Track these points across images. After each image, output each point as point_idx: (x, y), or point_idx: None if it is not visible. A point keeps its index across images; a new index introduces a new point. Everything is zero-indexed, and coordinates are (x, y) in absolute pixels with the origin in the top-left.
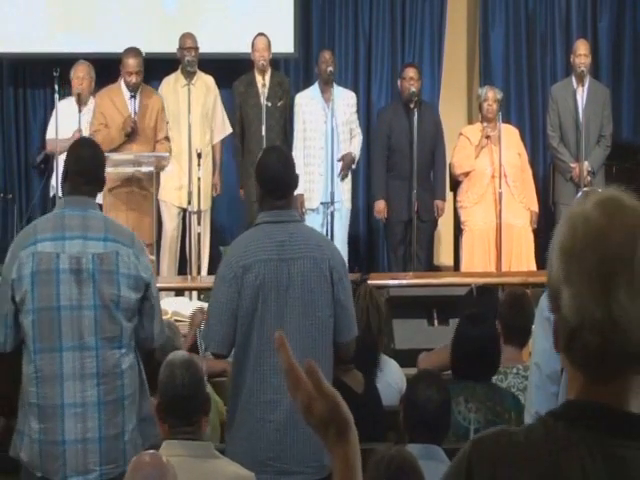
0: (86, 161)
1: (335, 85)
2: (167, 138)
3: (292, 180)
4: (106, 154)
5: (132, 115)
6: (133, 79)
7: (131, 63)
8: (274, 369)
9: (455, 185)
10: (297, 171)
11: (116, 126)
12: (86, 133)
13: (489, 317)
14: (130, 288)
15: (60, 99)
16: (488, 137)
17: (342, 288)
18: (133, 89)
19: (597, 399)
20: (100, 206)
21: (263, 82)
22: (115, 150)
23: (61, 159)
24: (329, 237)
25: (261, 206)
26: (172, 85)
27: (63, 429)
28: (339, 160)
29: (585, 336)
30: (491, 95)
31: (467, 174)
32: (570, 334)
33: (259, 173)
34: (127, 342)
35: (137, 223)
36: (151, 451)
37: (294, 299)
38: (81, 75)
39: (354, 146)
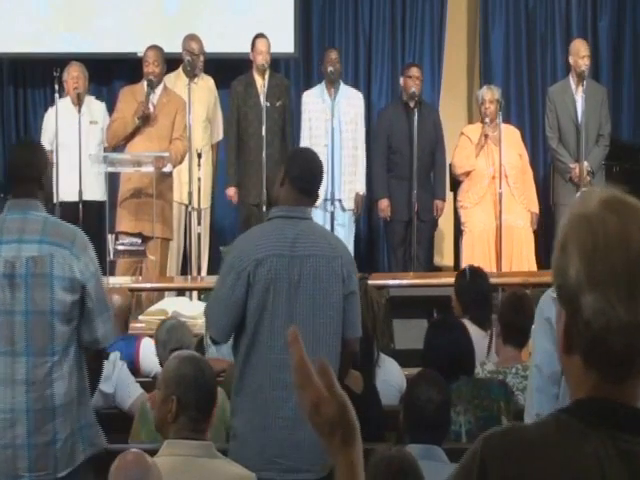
0: (16, 163)
1: (342, 84)
2: (182, 138)
3: (320, 180)
4: (106, 154)
5: (147, 103)
6: (149, 68)
7: (148, 54)
8: (283, 365)
9: (455, 185)
10: None
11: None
12: (85, 133)
13: (455, 321)
14: (65, 291)
15: (60, 99)
16: (486, 136)
17: (351, 286)
18: (150, 80)
19: (610, 398)
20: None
21: (262, 83)
22: (130, 139)
23: (61, 161)
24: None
25: (277, 201)
26: (173, 83)
27: None
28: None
29: (610, 339)
30: (488, 96)
31: (468, 174)
32: (592, 337)
33: (293, 168)
34: (61, 349)
35: (150, 228)
36: (134, 450)
37: (305, 297)
38: (75, 75)
39: (359, 179)
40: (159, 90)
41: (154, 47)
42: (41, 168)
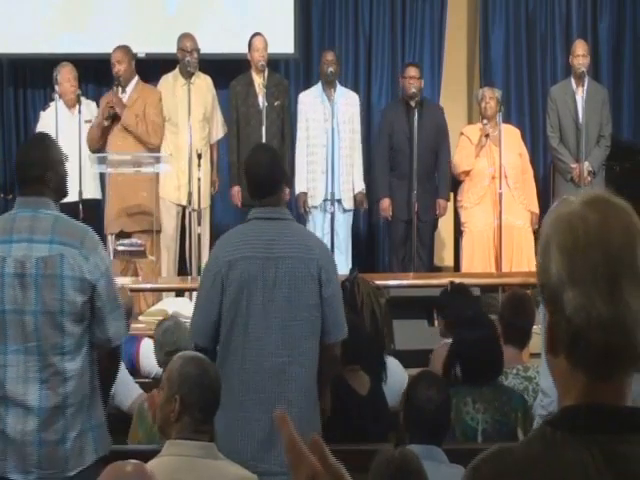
0: (25, 161)
1: (339, 85)
2: (157, 115)
3: (278, 177)
4: (105, 155)
5: (117, 102)
6: (114, 68)
7: (112, 54)
8: (259, 368)
9: (455, 185)
10: (300, 169)
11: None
12: (83, 135)
13: (487, 319)
14: (76, 291)
15: (59, 99)
16: (487, 136)
17: (331, 288)
18: (117, 79)
19: (597, 399)
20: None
21: (261, 82)
22: (106, 140)
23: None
24: (332, 236)
25: (252, 202)
26: (171, 84)
27: (5, 427)
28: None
29: (591, 336)
30: (489, 93)
31: (467, 173)
32: (574, 334)
33: (247, 171)
34: (72, 348)
35: (130, 223)
36: (133, 460)
37: (280, 298)
38: (67, 77)
39: (357, 179)
40: (130, 88)
41: (119, 47)
42: (45, 165)
